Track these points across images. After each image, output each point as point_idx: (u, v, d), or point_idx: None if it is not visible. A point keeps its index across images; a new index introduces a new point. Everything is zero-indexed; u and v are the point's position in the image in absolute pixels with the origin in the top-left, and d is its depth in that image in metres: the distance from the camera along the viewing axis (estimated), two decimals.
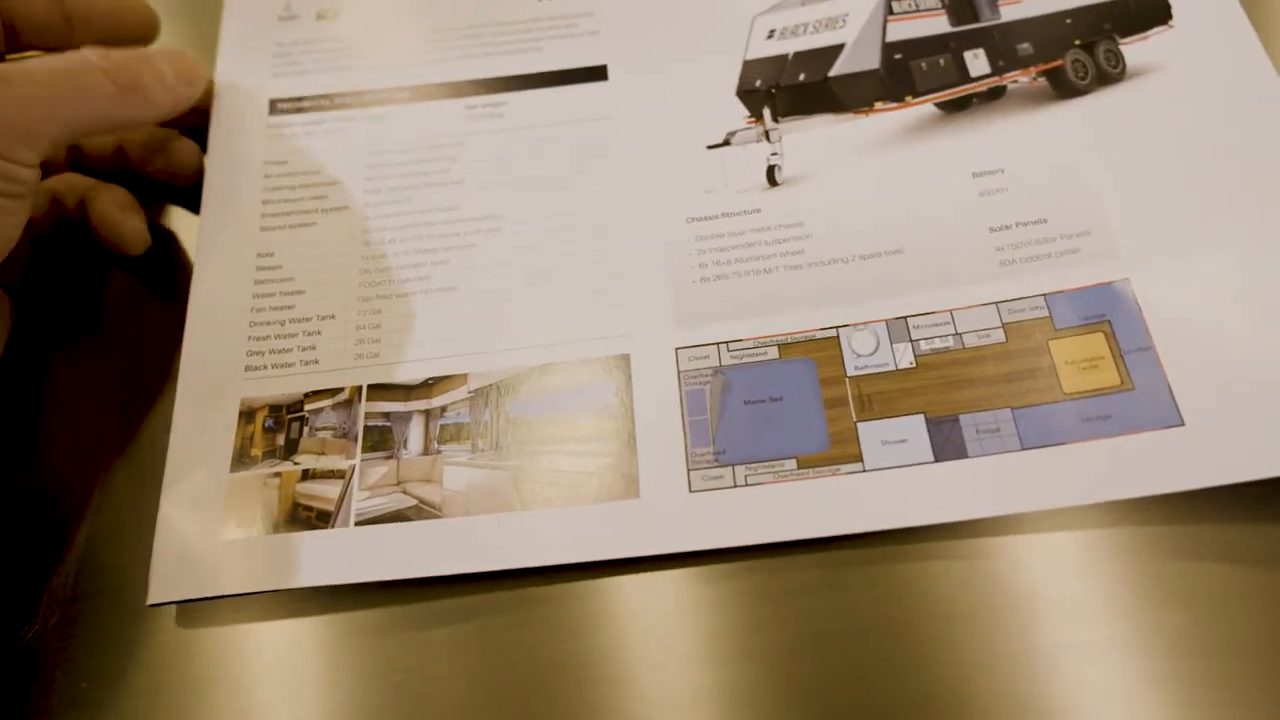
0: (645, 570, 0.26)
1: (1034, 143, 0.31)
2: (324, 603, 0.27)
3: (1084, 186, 0.29)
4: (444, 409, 0.30)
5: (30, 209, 0.29)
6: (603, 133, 0.34)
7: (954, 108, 0.33)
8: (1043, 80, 0.32)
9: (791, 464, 0.27)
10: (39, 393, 0.33)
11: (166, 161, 0.34)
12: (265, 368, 0.31)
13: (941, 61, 0.34)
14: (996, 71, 0.33)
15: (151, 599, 0.27)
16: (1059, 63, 0.32)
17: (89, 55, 0.29)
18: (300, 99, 0.35)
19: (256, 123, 0.35)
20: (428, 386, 0.30)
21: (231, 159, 0.34)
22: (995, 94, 0.33)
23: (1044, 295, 0.28)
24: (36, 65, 0.28)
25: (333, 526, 0.28)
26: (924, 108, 0.33)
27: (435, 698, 0.25)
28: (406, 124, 0.35)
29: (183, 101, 0.31)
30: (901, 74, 0.33)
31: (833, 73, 0.34)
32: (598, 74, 0.35)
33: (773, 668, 0.24)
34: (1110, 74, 0.32)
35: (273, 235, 0.33)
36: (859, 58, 0.34)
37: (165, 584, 0.28)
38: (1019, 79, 0.33)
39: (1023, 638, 0.24)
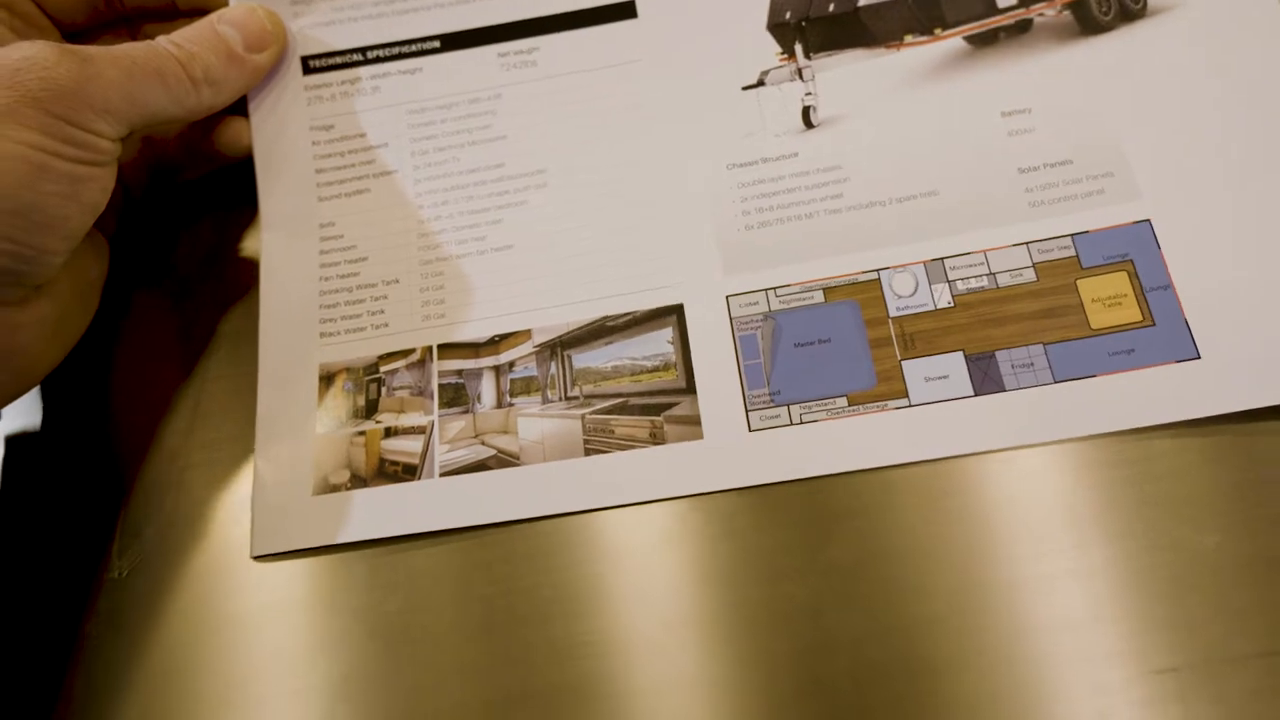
0: (710, 498, 0.30)
1: (1059, 81, 0.33)
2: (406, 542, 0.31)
3: (1107, 128, 0.32)
4: (512, 364, 0.33)
5: (113, 176, 0.31)
6: (638, 77, 0.36)
7: (982, 42, 0.35)
8: (1068, 14, 0.34)
9: (843, 402, 0.30)
10: (125, 356, 0.36)
11: (221, 142, 0.36)
12: (338, 334, 0.34)
13: None
14: (1024, 3, 0.35)
15: (255, 551, 0.31)
16: None
17: (167, 45, 0.31)
18: (330, 54, 0.37)
19: (294, 85, 0.37)
20: (494, 343, 0.33)
21: (279, 128, 0.36)
22: (1022, 27, 0.35)
23: (1071, 236, 0.31)
24: (118, 50, 0.31)
25: (419, 479, 0.32)
26: (952, 42, 0.35)
27: (520, 608, 0.29)
28: (441, 76, 0.37)
29: (256, 75, 0.34)
30: (930, 3, 0.35)
31: (862, 2, 0.36)
32: (627, 11, 0.37)
33: (828, 583, 0.28)
34: (1132, 9, 0.34)
35: (330, 205, 0.35)
36: None
37: (268, 538, 0.31)
38: (1045, 12, 0.35)
39: (1055, 556, 0.27)
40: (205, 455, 0.34)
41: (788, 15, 0.36)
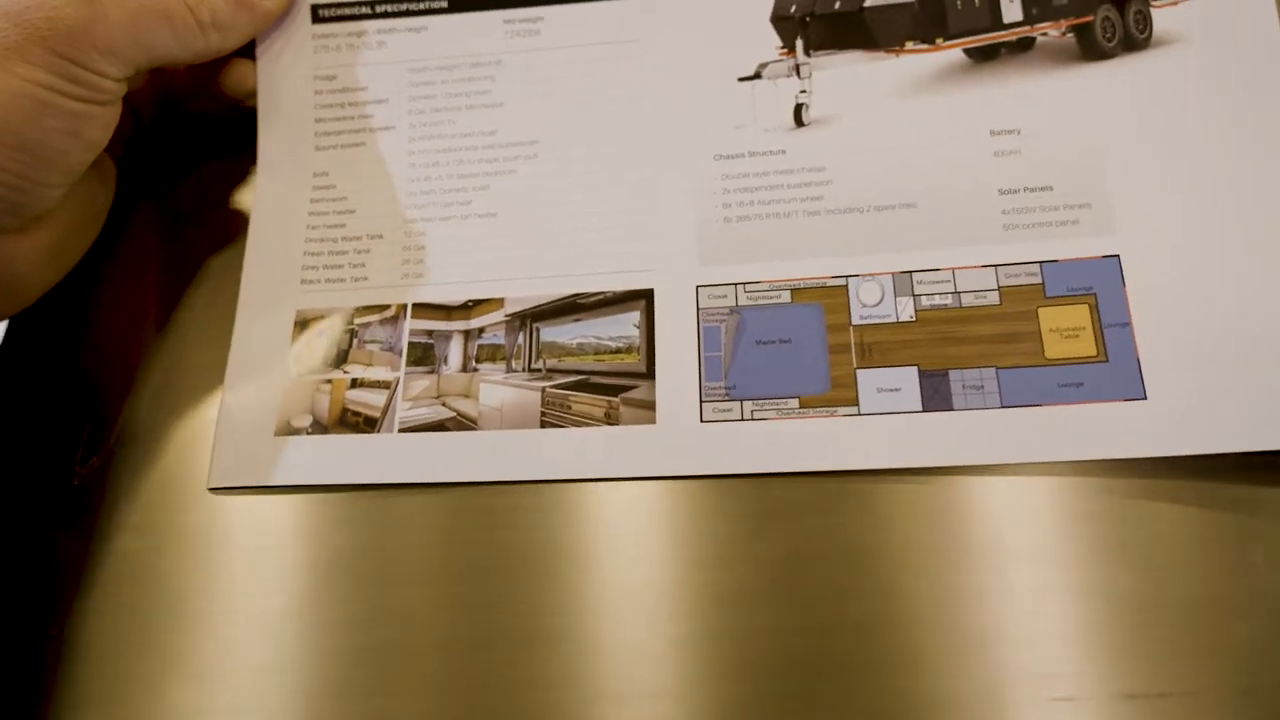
0: (657, 483, 0.31)
1: (1052, 105, 0.33)
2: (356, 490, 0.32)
3: (1091, 157, 0.32)
4: (482, 330, 0.34)
5: (116, 115, 0.32)
6: (636, 57, 0.36)
7: (982, 56, 0.35)
8: (1071, 37, 0.34)
9: (794, 403, 0.31)
10: (112, 273, 0.37)
11: (226, 84, 0.37)
12: (319, 282, 0.35)
13: (977, 2, 0.35)
14: (1029, 20, 0.35)
15: (212, 483, 0.33)
16: (1090, 18, 0.34)
17: None
18: (340, 5, 0.38)
19: (301, 33, 0.37)
20: (467, 308, 0.34)
21: (283, 74, 0.37)
22: (1024, 45, 0.35)
23: (1040, 263, 0.31)
24: None
25: (378, 432, 0.33)
26: (952, 53, 0.35)
27: (457, 561, 0.31)
28: (445, 37, 0.37)
29: (265, 21, 0.35)
30: (936, 10, 0.35)
31: (869, 3, 0.36)
32: None
33: (760, 575, 0.29)
34: (1136, 39, 0.33)
35: (326, 155, 0.36)
36: None
37: (225, 471, 0.33)
38: (1049, 32, 0.35)
39: (978, 574, 0.28)
40: (177, 380, 0.35)
41: (793, 9, 0.36)
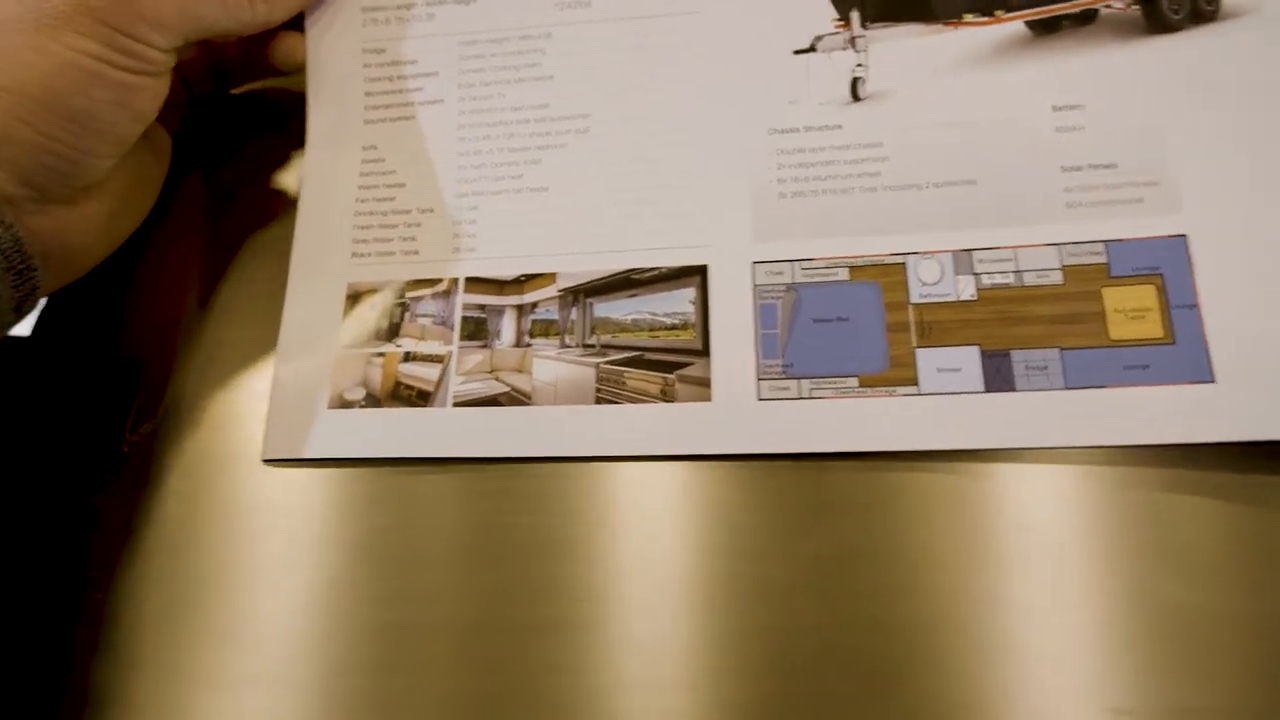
0: (712, 467, 0.31)
1: (1116, 80, 0.32)
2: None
3: (1158, 134, 0.31)
4: (535, 305, 0.34)
5: (166, 86, 0.32)
6: (690, 29, 0.36)
7: (1043, 29, 0.34)
8: (1136, 9, 0.34)
9: (853, 382, 0.31)
10: (163, 244, 0.37)
11: (275, 57, 0.36)
12: (369, 255, 0.35)
13: None
14: None
15: (266, 455, 0.33)
16: None
17: None
18: None
19: (351, 5, 0.37)
20: (520, 283, 0.34)
21: (332, 47, 0.37)
22: (1087, 18, 0.34)
23: (1104, 242, 0.31)
24: None
25: (432, 406, 0.33)
26: (1012, 26, 0.34)
27: (506, 543, 0.31)
28: (495, 8, 0.37)
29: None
30: None
31: None
32: None
33: (804, 571, 0.29)
34: (1205, 11, 0.33)
35: (375, 129, 0.36)
36: None
37: (280, 443, 0.33)
38: (1113, 4, 0.34)
39: (1030, 579, 0.28)
40: (230, 351, 0.35)
41: None
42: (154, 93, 0.32)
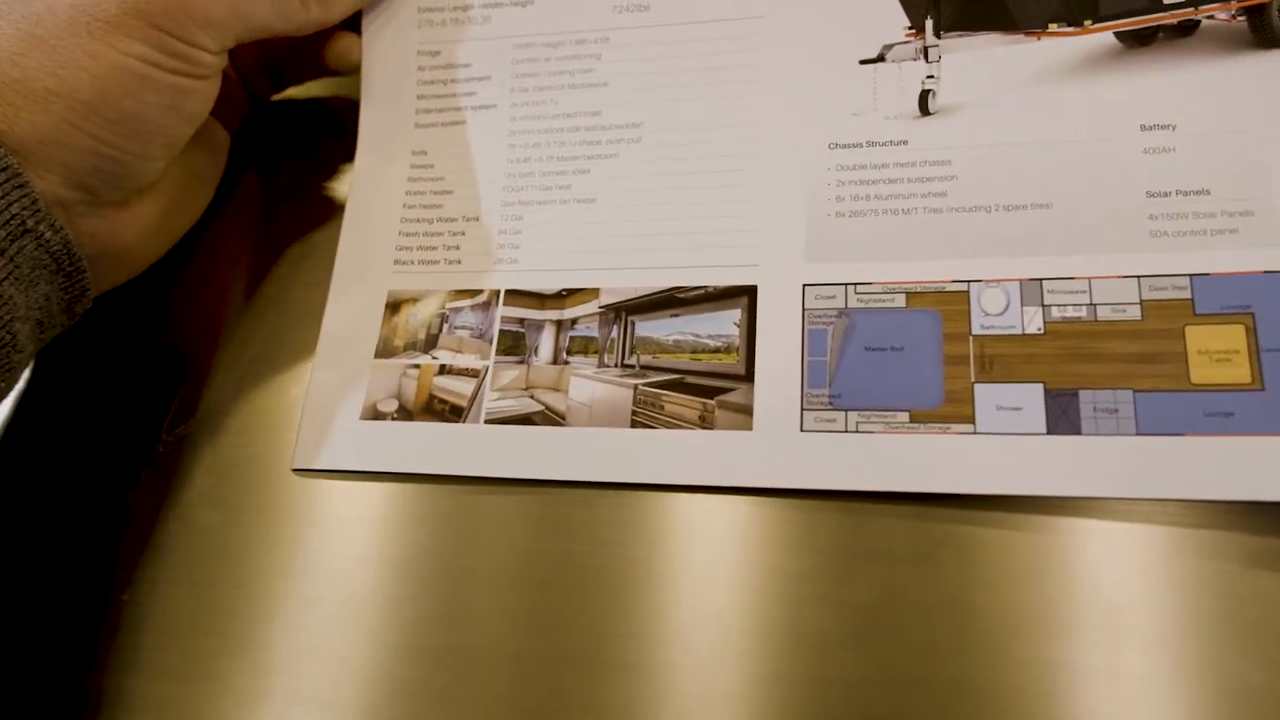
0: (751, 504, 0.29)
1: (1215, 98, 0.30)
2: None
3: (1259, 159, 0.29)
4: (574, 321, 0.33)
5: (216, 88, 0.33)
6: (751, 36, 0.34)
7: (1136, 41, 0.32)
8: (1242, 20, 0.31)
9: (904, 416, 0.29)
10: (210, 246, 0.38)
11: (331, 57, 0.36)
12: (412, 263, 0.34)
13: None
14: (1193, 1, 0.32)
15: (296, 464, 0.32)
16: None
17: None
18: None
19: (408, 6, 0.37)
20: (561, 298, 0.33)
21: (387, 49, 0.36)
22: (1185, 29, 0.32)
23: (1190, 275, 0.28)
24: None
25: (464, 422, 0.32)
26: (1101, 37, 0.32)
27: (531, 568, 0.30)
28: (551, 11, 0.36)
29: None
30: None
31: None
32: None
33: (847, 620, 0.27)
34: None
35: (426, 133, 0.35)
36: None
37: (310, 453, 0.33)
38: (1216, 14, 0.31)
39: (1084, 645, 0.25)
40: (270, 355, 0.35)
41: None
42: (204, 95, 0.32)
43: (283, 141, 0.39)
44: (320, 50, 0.37)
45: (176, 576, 0.32)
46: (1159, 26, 0.32)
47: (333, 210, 0.37)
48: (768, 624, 0.28)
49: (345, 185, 0.37)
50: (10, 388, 0.31)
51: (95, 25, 0.29)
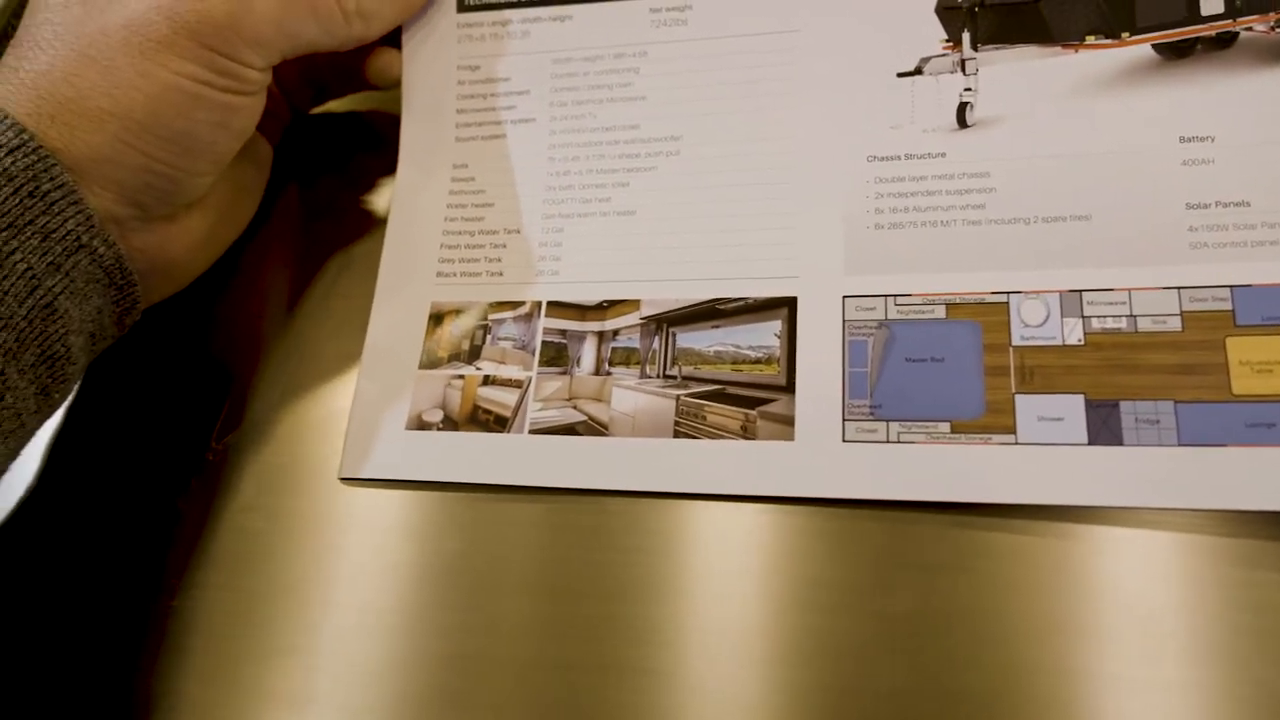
0: (792, 512, 0.30)
1: (1254, 110, 0.30)
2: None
3: None
4: (616, 332, 0.34)
5: (262, 104, 0.33)
6: (789, 49, 0.35)
7: (1174, 53, 0.32)
8: None
9: (945, 427, 0.30)
10: (254, 257, 0.39)
11: (371, 72, 0.37)
12: (454, 275, 0.35)
13: None
14: (1232, 13, 0.32)
15: (343, 473, 0.33)
16: None
17: None
18: None
19: (447, 21, 0.38)
20: (602, 309, 0.34)
21: (427, 63, 0.37)
22: (1223, 42, 0.32)
23: (1230, 287, 0.29)
24: None
25: (508, 432, 0.33)
26: (1139, 49, 0.33)
27: (573, 577, 0.30)
28: (590, 26, 0.37)
29: (408, 10, 0.36)
30: (1123, 2, 0.33)
31: None
32: None
33: (884, 630, 0.28)
34: None
35: (466, 147, 0.36)
36: None
37: (357, 462, 0.33)
38: (1254, 26, 0.32)
39: (1124, 658, 0.26)
40: (317, 361, 0.36)
41: None
42: (251, 111, 0.33)
43: (322, 154, 0.40)
44: (361, 65, 0.38)
45: (224, 583, 0.33)
46: (1197, 38, 0.32)
47: (373, 222, 0.38)
48: (806, 633, 0.28)
49: (384, 197, 0.38)
50: (64, 398, 0.32)
51: (147, 45, 0.30)
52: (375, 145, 0.39)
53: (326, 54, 0.36)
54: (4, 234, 0.28)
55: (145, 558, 0.34)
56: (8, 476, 0.33)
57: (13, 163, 0.29)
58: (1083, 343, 0.30)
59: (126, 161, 0.31)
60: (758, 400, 0.31)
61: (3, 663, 0.33)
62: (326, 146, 0.40)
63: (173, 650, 0.32)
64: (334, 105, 0.41)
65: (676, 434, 0.32)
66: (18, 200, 0.29)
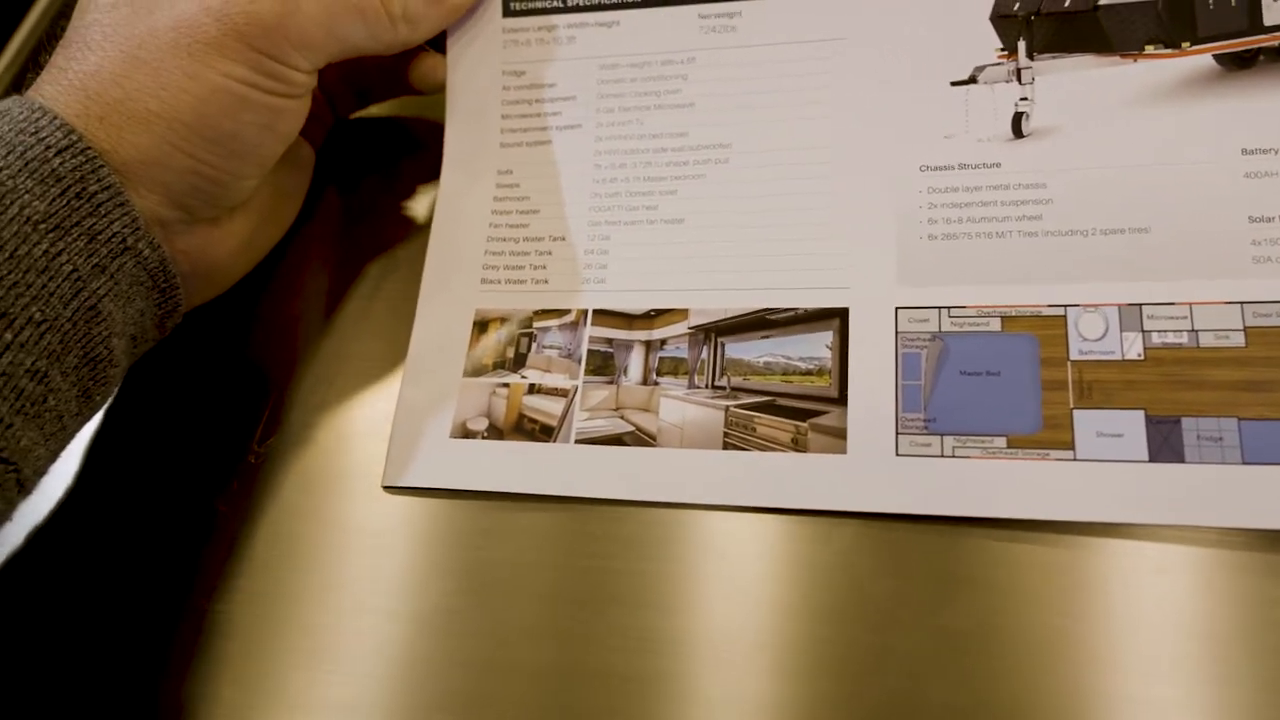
0: (842, 525, 0.30)
1: None
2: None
3: None
4: (664, 342, 0.34)
5: (307, 107, 0.34)
6: (840, 56, 0.35)
7: (1236, 63, 0.32)
8: None
9: (1001, 442, 0.30)
10: (298, 260, 0.39)
11: (415, 77, 0.38)
12: (499, 282, 0.35)
13: (1233, 1, 0.33)
14: None
15: (387, 481, 0.34)
16: None
17: None
18: None
19: (492, 26, 0.38)
20: (649, 318, 0.34)
21: (472, 68, 0.38)
22: None
23: None
24: None
25: (554, 441, 0.33)
26: (1200, 59, 0.33)
27: (615, 588, 0.31)
28: (637, 32, 0.37)
29: (454, 14, 0.36)
30: (1183, 10, 0.33)
31: (1104, 0, 0.34)
32: None
33: (936, 646, 0.28)
34: None
35: (511, 152, 0.37)
36: None
37: (401, 470, 0.34)
38: None
39: (1178, 681, 0.26)
40: (359, 366, 0.36)
41: (1016, 7, 0.34)
42: (297, 114, 0.33)
43: (364, 158, 0.41)
44: (405, 70, 0.38)
45: (265, 589, 0.33)
46: (1259, 48, 0.32)
47: (414, 227, 0.39)
48: (857, 647, 0.28)
49: (426, 202, 0.39)
50: (105, 401, 0.32)
51: (195, 47, 0.31)
52: (418, 150, 0.39)
53: (371, 58, 0.36)
54: (51, 235, 0.29)
55: (184, 561, 0.34)
56: (47, 478, 0.33)
57: (61, 163, 0.29)
58: (1143, 357, 0.30)
59: (173, 164, 0.31)
60: (809, 412, 0.32)
61: (40, 663, 0.33)
62: (369, 150, 0.41)
63: (209, 654, 0.32)
64: (376, 109, 0.41)
65: (726, 446, 0.32)
66: (65, 202, 0.29)
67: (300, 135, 0.37)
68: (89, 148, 0.29)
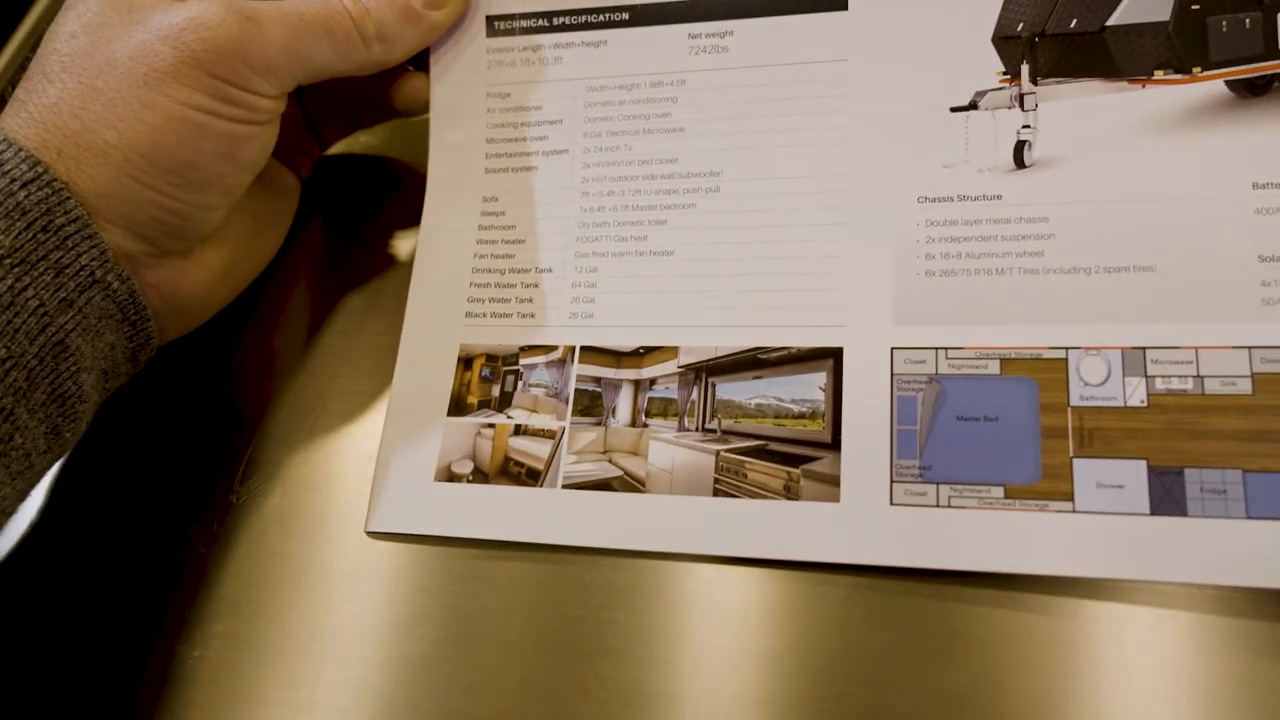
0: (834, 577, 0.30)
1: None
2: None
3: None
4: (653, 381, 0.33)
5: (274, 134, 0.33)
6: (835, 80, 0.34)
7: (1249, 90, 0.32)
8: None
9: (999, 492, 0.29)
10: (278, 293, 0.39)
11: (399, 98, 0.37)
12: (484, 316, 0.35)
13: (1247, 23, 0.32)
14: None
15: (371, 527, 0.34)
16: None
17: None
18: (516, 16, 0.37)
19: (476, 45, 0.37)
20: (638, 356, 0.34)
21: (456, 90, 0.37)
22: None
23: None
24: (287, 5, 0.32)
25: (541, 485, 0.33)
26: (1211, 85, 0.32)
27: (601, 639, 0.31)
28: (626, 52, 0.36)
29: (432, 33, 0.35)
30: (1195, 33, 0.32)
31: (1112, 21, 0.33)
32: (836, 1, 0.35)
33: (932, 705, 0.28)
34: None
35: (496, 179, 0.36)
36: (1147, 4, 0.33)
37: (384, 516, 0.34)
38: None
39: None
40: (341, 405, 0.36)
41: (1020, 28, 0.34)
42: (262, 142, 0.33)
43: (347, 186, 0.40)
44: (388, 91, 0.37)
45: (244, 634, 0.33)
46: (1275, 75, 0.31)
47: (398, 258, 0.38)
48: (850, 706, 0.28)
49: (411, 232, 0.38)
50: (75, 438, 0.32)
51: (152, 76, 0.30)
52: (403, 177, 0.39)
53: (355, 84, 0.36)
54: (16, 270, 0.29)
55: (159, 604, 0.34)
56: (17, 517, 0.33)
57: (26, 196, 0.29)
58: (1145, 404, 0.29)
59: (133, 196, 0.31)
60: (801, 458, 0.31)
61: (14, 704, 0.33)
62: (352, 178, 0.40)
63: (185, 700, 0.32)
64: (362, 136, 0.41)
65: (716, 492, 0.32)
66: (30, 235, 0.29)
67: (281, 163, 0.37)
68: (55, 180, 0.29)
